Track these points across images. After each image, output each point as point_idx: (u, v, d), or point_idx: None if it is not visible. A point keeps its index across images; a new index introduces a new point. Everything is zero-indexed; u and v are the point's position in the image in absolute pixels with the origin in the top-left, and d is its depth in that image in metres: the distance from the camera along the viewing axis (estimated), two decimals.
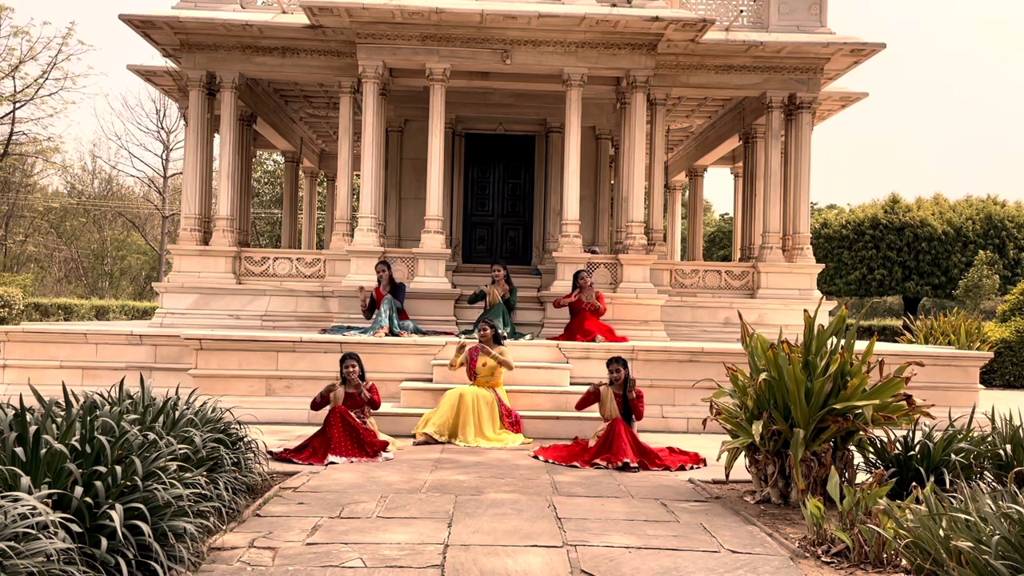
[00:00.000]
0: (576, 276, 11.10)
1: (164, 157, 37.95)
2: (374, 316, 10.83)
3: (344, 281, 11.80)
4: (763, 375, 5.71)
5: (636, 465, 7.05)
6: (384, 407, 8.92)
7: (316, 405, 7.77)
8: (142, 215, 42.31)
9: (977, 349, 15.07)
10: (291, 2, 12.37)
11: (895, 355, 9.87)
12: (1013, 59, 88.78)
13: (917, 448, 5.89)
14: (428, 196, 11.89)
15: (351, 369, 7.71)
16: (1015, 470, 5.30)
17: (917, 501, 4.69)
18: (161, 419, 5.10)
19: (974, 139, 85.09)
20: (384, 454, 7.33)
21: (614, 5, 11.52)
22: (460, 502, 5.61)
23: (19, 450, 3.79)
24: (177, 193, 36.79)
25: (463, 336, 10.53)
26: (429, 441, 8.19)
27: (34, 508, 3.31)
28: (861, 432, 5.74)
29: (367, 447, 7.29)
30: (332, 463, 7.01)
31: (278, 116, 15.70)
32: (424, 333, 10.77)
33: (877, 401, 5.50)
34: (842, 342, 5.76)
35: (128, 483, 3.96)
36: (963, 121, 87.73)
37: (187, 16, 11.73)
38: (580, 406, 8.11)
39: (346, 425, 7.32)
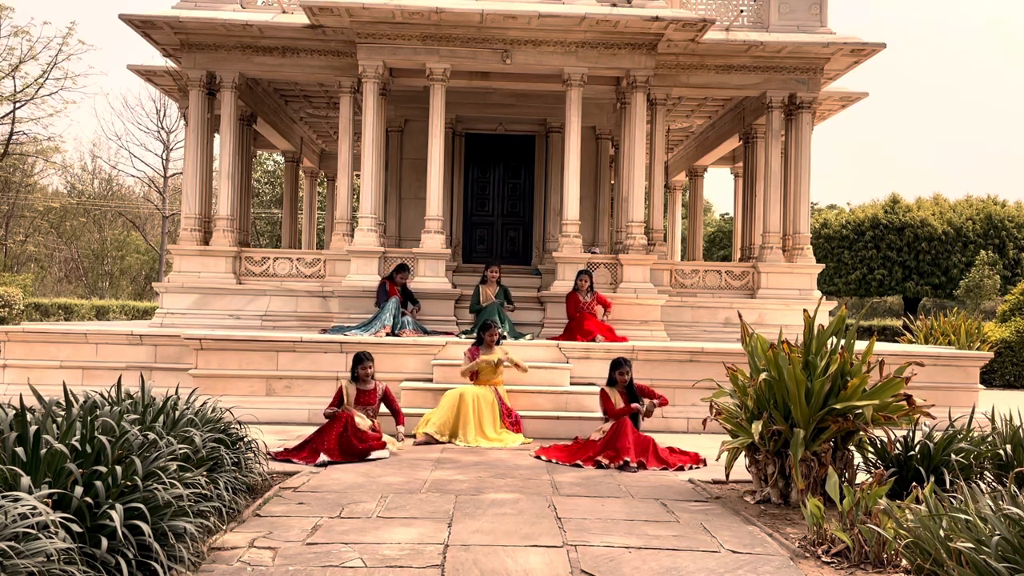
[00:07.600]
0: (577, 276, 11.11)
1: (164, 157, 37.99)
2: (376, 314, 10.85)
3: (344, 281, 11.80)
4: (763, 375, 5.71)
5: (635, 465, 7.05)
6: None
7: (329, 415, 7.69)
8: (142, 215, 42.34)
9: (977, 349, 15.06)
10: (291, 2, 12.37)
11: (895, 355, 9.87)
12: (1013, 59, 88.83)
13: (917, 448, 5.89)
14: (428, 196, 11.89)
15: (368, 370, 7.72)
16: (1015, 470, 5.29)
17: (917, 501, 4.69)
18: (161, 419, 5.11)
19: (974, 139, 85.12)
20: (376, 453, 7.26)
21: (614, 5, 11.52)
22: (460, 502, 5.61)
23: (19, 450, 3.79)
24: (177, 193, 36.78)
25: (463, 336, 10.55)
26: (429, 441, 8.19)
27: (34, 508, 3.31)
28: (861, 432, 5.74)
29: (357, 452, 7.17)
30: (327, 463, 6.98)
31: (278, 116, 15.69)
32: (427, 332, 10.78)
33: (877, 401, 5.50)
34: (842, 342, 5.76)
35: (128, 483, 3.96)
36: (963, 121, 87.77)
37: (187, 16, 11.73)
38: (605, 409, 7.77)
39: (343, 437, 7.19)
